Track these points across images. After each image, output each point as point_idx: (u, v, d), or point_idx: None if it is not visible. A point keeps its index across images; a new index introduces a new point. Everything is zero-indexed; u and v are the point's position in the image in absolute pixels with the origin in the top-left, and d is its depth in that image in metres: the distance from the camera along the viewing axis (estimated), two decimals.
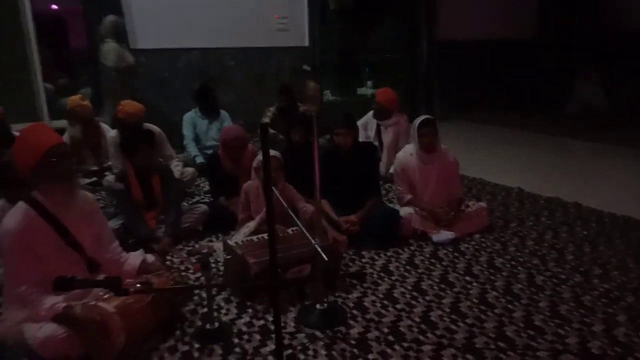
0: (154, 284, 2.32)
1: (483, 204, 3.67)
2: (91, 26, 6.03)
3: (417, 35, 8.11)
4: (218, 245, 3.17)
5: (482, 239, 3.38)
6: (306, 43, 7.26)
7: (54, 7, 8.20)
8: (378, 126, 4.94)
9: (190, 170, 4.49)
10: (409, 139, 4.90)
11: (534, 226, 3.62)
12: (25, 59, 5.98)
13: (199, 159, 5.15)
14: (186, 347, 2.21)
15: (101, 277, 2.38)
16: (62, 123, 5.85)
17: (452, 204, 3.49)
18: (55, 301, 2.12)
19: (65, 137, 4.01)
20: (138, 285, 2.25)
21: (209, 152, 5.30)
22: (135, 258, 2.52)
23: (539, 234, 3.47)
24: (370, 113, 5.03)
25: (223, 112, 5.36)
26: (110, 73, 5.51)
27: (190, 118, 5.34)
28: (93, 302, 2.13)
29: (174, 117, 5.82)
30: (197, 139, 5.36)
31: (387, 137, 4.87)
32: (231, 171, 3.79)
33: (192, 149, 5.27)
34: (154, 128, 4.28)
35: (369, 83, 9.36)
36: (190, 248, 3.29)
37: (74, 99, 4.50)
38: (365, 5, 9.30)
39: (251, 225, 3.06)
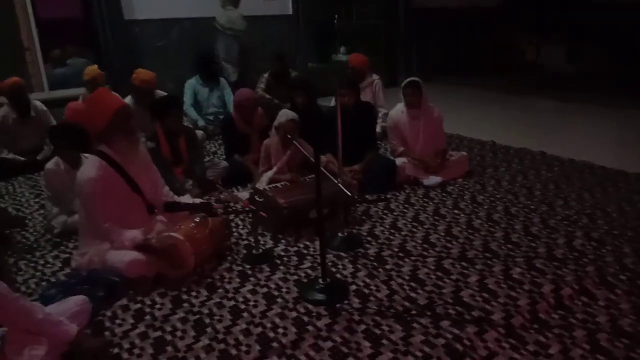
0: (208, 220, 2.82)
1: (464, 153, 4.28)
2: None
3: (395, 3, 8.55)
4: (243, 194, 3.67)
5: (465, 182, 3.98)
6: (290, 11, 7.62)
7: None
8: None
9: (200, 133, 4.92)
10: (385, 96, 5.54)
11: (507, 171, 4.25)
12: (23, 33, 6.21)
13: (201, 122, 5.57)
14: (239, 267, 2.74)
15: (159, 220, 2.89)
16: (60, 93, 6.19)
17: (439, 153, 4.06)
18: (134, 234, 2.62)
19: (77, 105, 4.35)
20: (197, 218, 2.77)
21: (210, 117, 5.74)
22: (186, 199, 3.01)
23: (512, 176, 4.10)
24: None
25: (222, 80, 5.75)
26: (232, 35, 6.46)
27: (192, 85, 5.71)
28: (166, 233, 2.63)
29: (169, 84, 6.16)
30: (197, 106, 5.75)
31: (365, 97, 5.41)
32: (243, 130, 4.25)
33: (192, 113, 5.66)
34: (165, 94, 4.68)
35: (342, 49, 9.80)
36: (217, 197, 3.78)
37: (93, 69, 4.86)
38: None
39: (270, 173, 3.56)
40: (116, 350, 2.08)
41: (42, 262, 2.90)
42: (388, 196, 3.73)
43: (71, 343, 1.98)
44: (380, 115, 5.30)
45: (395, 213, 3.44)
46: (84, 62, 6.97)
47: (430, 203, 3.60)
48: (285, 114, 3.62)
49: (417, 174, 3.99)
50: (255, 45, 7.13)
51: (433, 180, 3.93)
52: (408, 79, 4.10)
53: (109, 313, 2.34)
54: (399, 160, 4.01)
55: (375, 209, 3.52)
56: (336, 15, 10.37)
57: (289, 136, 3.41)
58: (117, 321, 2.28)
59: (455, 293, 2.43)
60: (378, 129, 5.05)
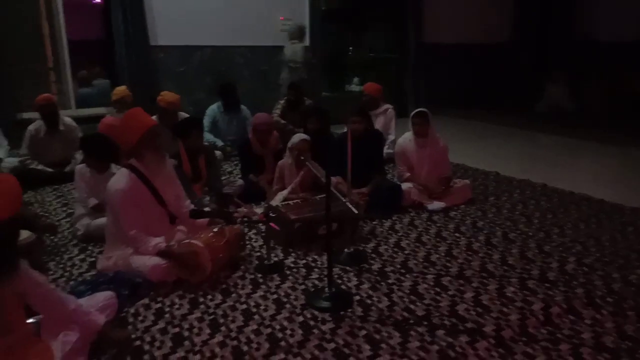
0: (225, 231, 3.04)
1: (467, 181, 4.49)
2: (110, 22, 6.62)
3: (405, 37, 8.92)
4: (258, 210, 3.90)
5: (467, 208, 4.19)
6: (307, 42, 7.99)
7: None
8: None
9: (218, 153, 5.19)
10: (396, 125, 5.82)
11: (508, 200, 4.45)
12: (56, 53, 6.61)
13: (219, 143, 5.83)
14: (252, 276, 2.95)
15: (179, 230, 3.12)
16: (86, 111, 6.53)
17: (443, 180, 4.28)
18: (157, 241, 2.85)
19: (112, 120, 4.64)
20: (215, 229, 3.00)
21: (228, 143, 6.00)
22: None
23: (512, 205, 4.30)
24: None
25: (244, 108, 6.03)
26: (294, 67, 7.05)
27: (212, 112, 6.00)
28: (187, 240, 2.85)
29: (188, 107, 6.47)
30: (217, 132, 6.02)
31: (378, 124, 5.69)
32: (259, 152, 4.51)
33: (210, 137, 5.94)
34: (187, 116, 4.97)
35: (356, 80, 10.18)
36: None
37: (122, 89, 5.20)
38: (355, 8, 10.10)
39: (284, 193, 3.79)
40: (138, 342, 2.29)
41: (70, 263, 3.13)
42: (393, 218, 3.94)
43: (99, 332, 2.19)
44: (387, 142, 5.56)
45: (399, 234, 3.65)
46: (108, 83, 7.37)
47: (433, 226, 3.80)
48: (298, 136, 3.89)
49: (422, 198, 4.20)
50: (272, 73, 7.49)
51: (437, 205, 4.14)
52: (417, 110, 4.36)
53: (132, 310, 2.55)
54: (405, 185, 4.24)
55: (380, 229, 3.72)
56: (351, 48, 10.82)
57: (302, 157, 3.65)
58: (140, 318, 2.49)
59: (451, 307, 2.62)
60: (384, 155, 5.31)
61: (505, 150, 6.51)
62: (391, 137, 5.73)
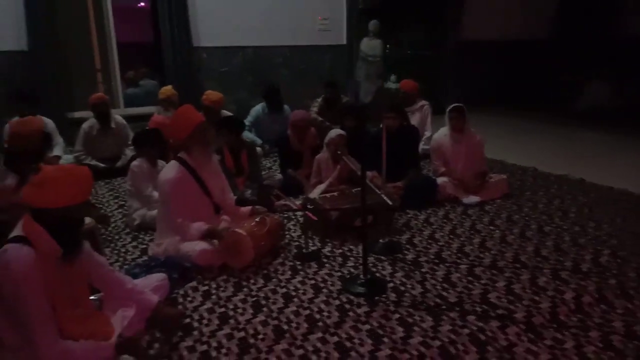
0: (266, 220, 3.22)
1: (504, 176, 4.52)
2: (157, 25, 6.93)
3: (443, 34, 8.92)
4: (296, 202, 4.06)
5: (503, 203, 4.23)
6: (344, 41, 8.13)
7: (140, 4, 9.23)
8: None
9: (258, 149, 5.39)
10: (432, 122, 5.88)
11: (545, 195, 4.45)
12: (105, 55, 7.00)
13: (258, 141, 6.03)
14: (291, 263, 3.12)
15: (223, 219, 3.33)
16: (133, 110, 6.87)
17: (478, 175, 4.34)
18: (199, 225, 3.06)
19: (162, 119, 4.92)
20: (257, 219, 3.18)
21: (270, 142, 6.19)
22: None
23: (548, 200, 4.31)
24: None
25: (286, 108, 6.21)
26: (373, 60, 7.82)
27: (256, 112, 6.18)
28: (231, 229, 3.05)
29: (230, 106, 6.71)
30: (258, 132, 6.21)
31: (414, 120, 5.77)
32: (297, 148, 4.68)
33: (249, 135, 6.14)
34: (230, 114, 5.20)
35: (393, 77, 10.22)
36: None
37: (168, 89, 5.48)
38: (393, 6, 10.11)
39: (322, 186, 3.94)
40: (188, 320, 2.49)
41: (123, 250, 3.38)
42: (428, 211, 4.03)
43: (153, 310, 2.39)
44: (423, 139, 5.64)
45: (433, 226, 3.74)
46: (154, 84, 7.71)
47: (468, 219, 3.87)
48: (335, 131, 4.04)
49: (457, 193, 4.27)
50: (310, 72, 7.67)
51: (472, 199, 4.20)
52: (453, 105, 4.43)
53: (181, 292, 2.76)
54: (440, 180, 4.32)
55: (415, 222, 3.82)
56: (388, 45, 10.86)
57: (338, 152, 3.79)
58: (189, 298, 2.70)
59: (483, 294, 2.71)
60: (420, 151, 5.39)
61: (544, 147, 6.45)
62: (427, 134, 5.80)
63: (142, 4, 10.29)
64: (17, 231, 1.98)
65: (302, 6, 7.60)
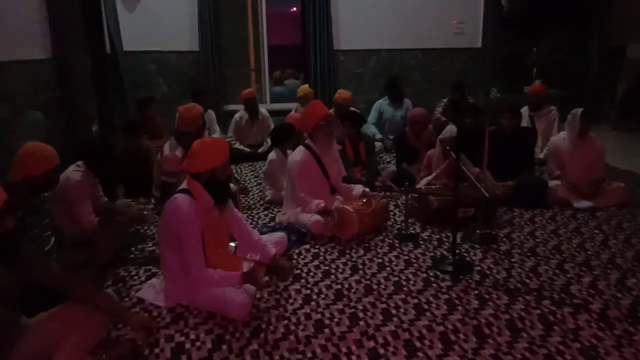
0: (372, 202, 3.70)
1: (621, 184, 4.41)
2: (304, 28, 7.73)
3: (588, 40, 8.47)
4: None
5: (616, 211, 4.15)
6: (479, 45, 8.20)
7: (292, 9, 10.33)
8: (531, 117, 5.86)
9: (379, 144, 5.88)
10: (558, 128, 5.78)
11: None
12: (257, 57, 8.03)
13: (378, 136, 6.49)
14: (390, 241, 3.56)
15: (337, 199, 3.87)
16: (278, 106, 7.77)
17: (595, 181, 4.31)
18: (319, 202, 3.64)
19: (295, 115, 5.65)
20: (364, 200, 3.68)
21: (391, 135, 6.65)
22: (359, 187, 3.95)
23: None
24: (525, 107, 5.95)
25: (407, 101, 6.62)
26: None
27: (379, 106, 6.71)
28: (341, 206, 3.59)
29: (361, 105, 7.26)
30: (381, 123, 6.71)
31: (541, 125, 5.76)
32: (414, 144, 5.05)
33: (372, 129, 6.61)
34: (354, 110, 5.77)
35: (537, 82, 9.89)
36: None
37: (305, 87, 6.27)
38: (537, 9, 9.82)
39: (429, 178, 4.29)
40: (298, 271, 3.08)
41: (257, 217, 4.13)
42: (535, 211, 4.14)
43: (271, 259, 3.02)
44: (548, 144, 5.60)
45: (536, 225, 3.88)
46: (298, 83, 8.59)
47: (574, 222, 3.93)
48: (450, 130, 4.34)
49: (569, 197, 4.30)
50: (442, 75, 7.91)
51: (584, 204, 4.21)
52: (581, 108, 4.41)
53: (296, 251, 3.38)
54: (553, 183, 4.38)
55: (519, 220, 3.99)
56: (534, 49, 10.55)
57: (447, 147, 4.12)
58: (301, 256, 3.30)
59: (565, 286, 2.88)
60: (541, 155, 5.40)
61: None
62: (553, 139, 5.73)
63: (294, 8, 11.34)
64: (182, 186, 2.73)
65: (437, 10, 7.85)
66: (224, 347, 2.33)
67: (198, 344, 2.35)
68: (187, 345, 2.34)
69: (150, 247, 3.49)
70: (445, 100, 6.69)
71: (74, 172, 3.23)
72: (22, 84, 4.09)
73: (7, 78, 3.88)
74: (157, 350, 2.30)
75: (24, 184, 2.66)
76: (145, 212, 3.81)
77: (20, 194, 2.62)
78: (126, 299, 2.78)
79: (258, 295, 2.76)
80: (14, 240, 1.89)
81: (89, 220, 3.21)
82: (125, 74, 6.24)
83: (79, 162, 3.30)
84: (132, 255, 3.34)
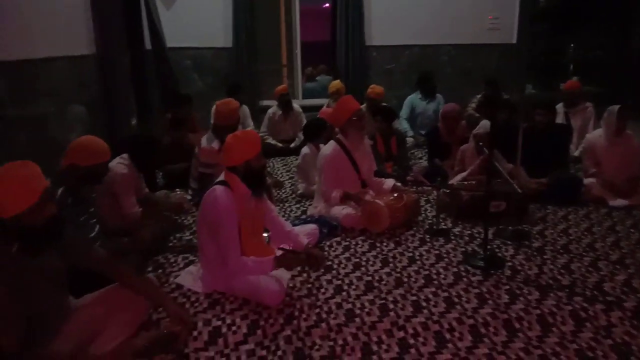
0: (403, 197, 3.74)
1: None
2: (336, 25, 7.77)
3: (627, 36, 8.23)
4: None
5: None
6: (514, 40, 8.08)
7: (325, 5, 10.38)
8: (566, 114, 5.76)
9: (411, 140, 5.90)
10: (594, 125, 5.67)
11: None
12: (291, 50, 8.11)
13: (410, 132, 6.50)
14: (421, 235, 3.59)
15: (368, 193, 3.92)
16: (310, 101, 7.84)
17: (631, 179, 4.23)
18: (337, 192, 3.69)
19: (328, 111, 5.71)
20: (395, 194, 3.72)
21: (423, 130, 6.65)
22: (390, 181, 3.99)
23: None
24: (561, 104, 5.86)
25: (439, 96, 6.60)
26: None
27: (410, 101, 6.71)
28: (373, 200, 3.64)
29: (393, 100, 7.26)
30: (413, 118, 6.71)
31: (576, 122, 5.67)
32: (446, 139, 5.05)
33: (405, 125, 6.62)
34: (385, 105, 5.79)
35: (575, 79, 9.68)
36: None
37: (337, 83, 6.36)
38: (574, 4, 9.60)
39: (464, 174, 4.30)
40: (329, 262, 3.15)
41: (289, 210, 4.21)
42: (569, 209, 4.10)
43: (303, 249, 3.10)
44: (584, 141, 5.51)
45: (570, 222, 3.84)
46: (329, 79, 8.63)
47: (609, 220, 3.87)
48: (483, 126, 4.33)
49: (605, 195, 4.23)
50: (475, 71, 7.83)
51: (620, 202, 4.14)
52: (620, 105, 4.33)
53: (328, 243, 3.45)
54: (588, 180, 4.32)
55: (552, 217, 3.96)
56: (572, 45, 10.32)
57: (480, 144, 4.11)
58: (332, 248, 3.37)
59: (598, 283, 2.86)
60: (576, 153, 5.31)
61: None
62: (588, 137, 5.63)
63: (327, 4, 11.38)
64: (220, 178, 2.83)
65: (471, 6, 7.78)
66: (259, 331, 2.42)
67: (234, 328, 2.45)
68: (224, 330, 2.44)
69: (187, 236, 3.62)
70: (479, 96, 6.65)
71: (118, 164, 3.36)
72: (67, 79, 4.27)
73: (53, 73, 4.06)
74: (195, 334, 2.40)
75: (70, 172, 2.78)
76: (184, 204, 3.93)
77: (68, 182, 2.76)
78: (165, 285, 2.90)
79: (291, 285, 2.84)
80: (56, 225, 1.97)
81: (134, 212, 3.34)
82: (175, 69, 6.42)
83: (124, 155, 3.44)
84: (171, 244, 3.47)
